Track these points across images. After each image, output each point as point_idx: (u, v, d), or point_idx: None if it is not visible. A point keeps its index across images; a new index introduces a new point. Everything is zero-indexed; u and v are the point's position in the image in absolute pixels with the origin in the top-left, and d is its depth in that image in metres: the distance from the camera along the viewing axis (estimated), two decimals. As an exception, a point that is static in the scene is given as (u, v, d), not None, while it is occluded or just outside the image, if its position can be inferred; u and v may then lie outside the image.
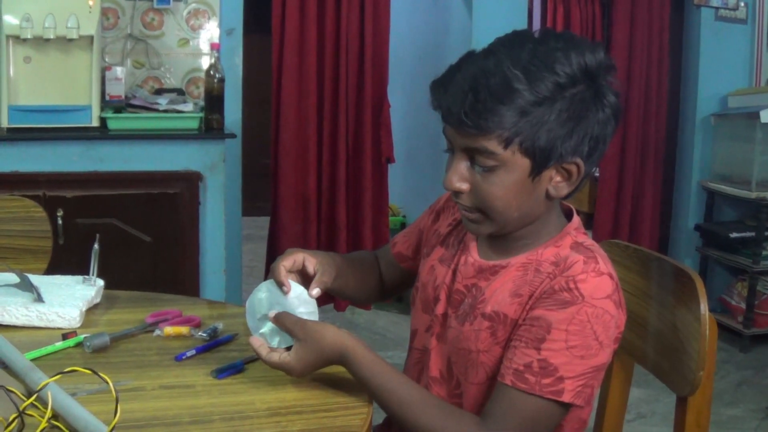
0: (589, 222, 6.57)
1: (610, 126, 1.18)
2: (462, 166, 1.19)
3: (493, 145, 1.14)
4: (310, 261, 1.32)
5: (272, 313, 1.24)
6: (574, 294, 1.14)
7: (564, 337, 1.13)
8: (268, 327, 1.26)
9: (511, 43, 1.16)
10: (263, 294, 1.29)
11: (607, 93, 1.17)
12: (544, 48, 1.14)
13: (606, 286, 1.16)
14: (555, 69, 1.12)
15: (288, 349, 1.22)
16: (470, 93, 1.12)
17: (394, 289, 1.58)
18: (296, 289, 1.27)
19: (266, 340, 1.25)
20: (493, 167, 1.16)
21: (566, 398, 1.13)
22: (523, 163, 1.16)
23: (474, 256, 1.29)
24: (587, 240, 1.24)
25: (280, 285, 1.26)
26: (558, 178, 1.20)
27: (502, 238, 1.27)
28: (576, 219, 1.27)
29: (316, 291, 1.29)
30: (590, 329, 1.13)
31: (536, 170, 1.17)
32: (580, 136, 1.16)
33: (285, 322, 1.22)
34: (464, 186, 1.19)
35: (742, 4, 4.19)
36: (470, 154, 1.17)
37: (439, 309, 1.32)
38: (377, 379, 1.18)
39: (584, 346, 1.13)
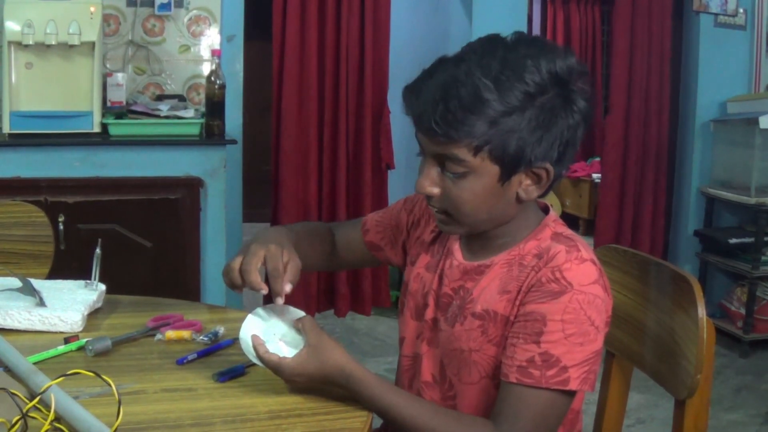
0: (589, 228, 6.60)
1: (580, 130, 1.20)
2: (433, 171, 1.21)
3: (462, 152, 1.15)
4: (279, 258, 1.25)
5: (297, 318, 1.24)
6: (561, 283, 1.16)
7: (560, 327, 1.14)
8: (271, 347, 1.22)
9: (482, 49, 1.17)
10: (261, 314, 1.25)
11: (577, 99, 1.18)
12: (515, 55, 1.15)
13: (591, 272, 1.18)
14: (524, 78, 1.13)
15: None
16: (440, 102, 1.13)
17: (349, 266, 1.59)
18: (284, 309, 1.26)
19: None
20: (463, 173, 1.18)
21: (573, 386, 1.15)
22: (493, 170, 1.17)
23: (458, 258, 1.31)
24: (566, 230, 1.26)
25: (258, 288, 1.21)
26: (528, 182, 1.21)
27: (483, 239, 1.28)
28: (552, 213, 1.30)
29: (288, 287, 1.22)
30: (585, 315, 1.15)
31: (505, 176, 1.18)
32: (550, 142, 1.17)
33: (306, 324, 1.22)
34: (435, 190, 1.22)
35: (741, 10, 4.20)
36: (440, 160, 1.19)
37: (428, 314, 1.33)
38: (386, 397, 1.17)
39: (581, 333, 1.15)
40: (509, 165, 1.17)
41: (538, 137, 1.16)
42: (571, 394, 1.17)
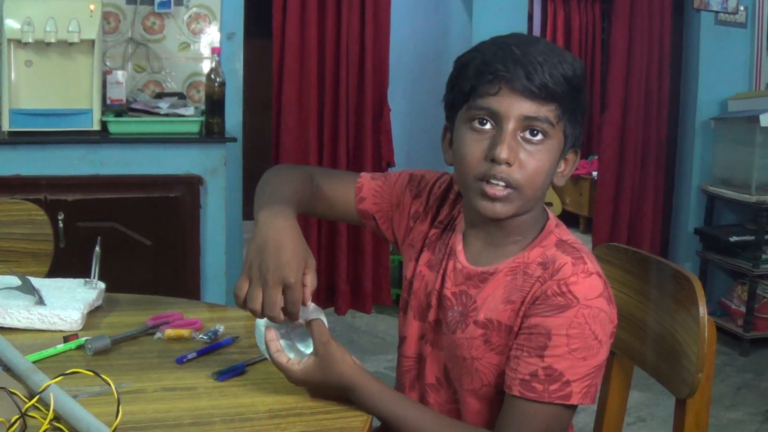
0: (590, 226, 6.59)
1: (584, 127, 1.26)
2: (513, 137, 1.18)
3: (552, 115, 1.18)
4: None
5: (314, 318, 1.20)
6: (567, 297, 1.15)
7: (565, 342, 1.14)
8: (281, 343, 1.21)
9: (525, 38, 1.22)
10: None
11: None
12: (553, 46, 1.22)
13: (597, 285, 1.17)
14: (575, 61, 1.20)
15: None
16: (550, 61, 1.17)
17: (326, 218, 1.50)
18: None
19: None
20: (542, 141, 1.19)
21: (575, 401, 1.15)
22: (560, 142, 1.21)
23: (462, 261, 1.29)
24: (570, 237, 1.25)
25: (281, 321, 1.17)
26: (562, 166, 1.25)
27: (491, 236, 1.26)
28: (552, 216, 1.29)
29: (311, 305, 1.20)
30: (589, 330, 1.14)
31: (565, 150, 1.23)
32: (582, 129, 1.23)
33: (314, 330, 1.19)
34: (515, 158, 1.18)
35: (742, 8, 4.20)
36: (527, 123, 1.17)
37: (431, 316, 1.32)
38: (390, 408, 1.17)
39: (585, 348, 1.14)
40: (570, 139, 1.22)
41: (582, 121, 1.22)
42: (574, 407, 1.17)
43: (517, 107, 1.17)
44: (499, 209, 1.21)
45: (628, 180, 4.32)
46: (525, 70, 1.16)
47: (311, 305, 1.20)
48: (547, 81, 1.16)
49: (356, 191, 1.45)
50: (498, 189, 1.19)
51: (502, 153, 1.17)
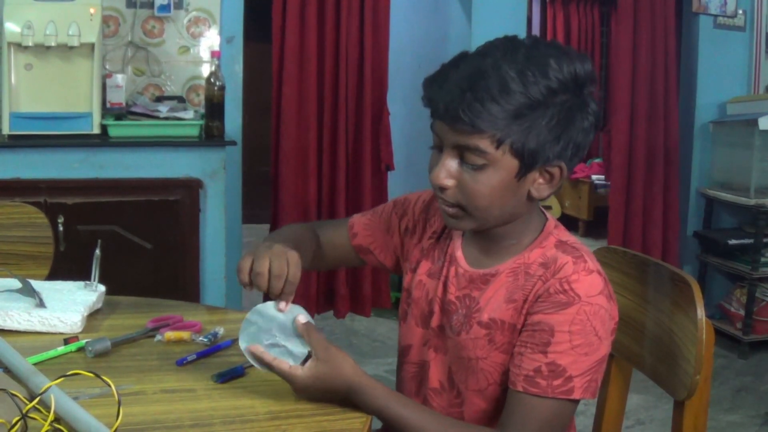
0: (588, 229, 6.60)
1: (591, 134, 1.21)
2: (451, 162, 1.20)
3: (485, 144, 1.16)
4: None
5: (302, 317, 1.21)
6: (569, 295, 1.17)
7: (568, 338, 1.16)
8: (274, 352, 1.21)
9: (504, 47, 1.18)
10: (256, 317, 1.23)
11: (590, 102, 1.20)
12: (537, 53, 1.16)
13: (597, 283, 1.19)
14: (548, 74, 1.15)
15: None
16: (468, 91, 1.14)
17: (333, 266, 1.60)
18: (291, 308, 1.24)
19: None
20: (482, 166, 1.18)
21: (577, 395, 1.17)
22: (512, 164, 1.18)
23: (463, 266, 1.30)
24: (570, 237, 1.27)
25: (265, 290, 1.20)
26: (541, 180, 1.22)
27: (488, 241, 1.28)
28: (551, 218, 1.30)
29: (282, 305, 1.22)
30: (590, 326, 1.16)
31: (523, 172, 1.19)
32: (566, 142, 1.18)
33: (311, 335, 1.19)
34: (451, 182, 1.21)
35: (741, 11, 4.21)
36: (460, 151, 1.19)
37: (435, 322, 1.33)
38: (393, 409, 1.18)
39: (587, 344, 1.16)
40: (528, 160, 1.18)
41: (557, 135, 1.17)
42: (576, 402, 1.19)
43: (450, 135, 1.19)
44: (456, 224, 1.26)
45: (638, 185, 4.28)
46: (444, 100, 1.16)
47: (291, 305, 1.22)
48: (466, 114, 1.13)
49: (349, 229, 1.51)
50: (446, 206, 1.24)
51: (433, 178, 1.21)
